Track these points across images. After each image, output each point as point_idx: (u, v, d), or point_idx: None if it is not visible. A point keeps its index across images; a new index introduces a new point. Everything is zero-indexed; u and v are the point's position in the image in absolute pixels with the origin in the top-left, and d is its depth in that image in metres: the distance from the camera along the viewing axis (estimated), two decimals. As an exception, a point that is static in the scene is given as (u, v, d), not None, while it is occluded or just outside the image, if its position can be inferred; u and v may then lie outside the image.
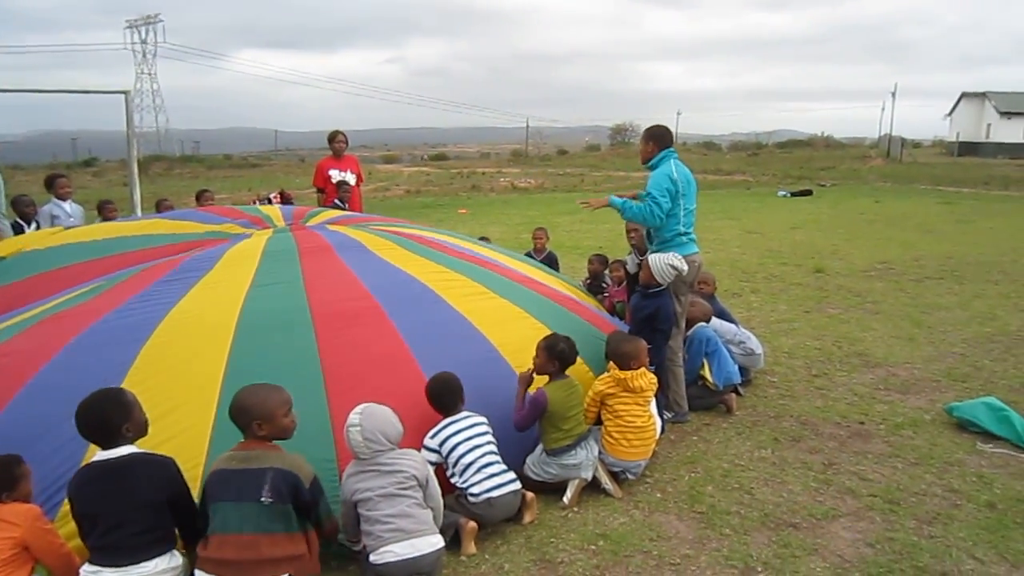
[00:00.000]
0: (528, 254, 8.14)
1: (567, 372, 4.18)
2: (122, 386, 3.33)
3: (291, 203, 20.47)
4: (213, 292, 4.41)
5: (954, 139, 49.17)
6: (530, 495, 3.85)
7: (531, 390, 4.11)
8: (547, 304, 5.10)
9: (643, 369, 4.21)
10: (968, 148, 47.24)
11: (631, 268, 5.85)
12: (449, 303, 4.57)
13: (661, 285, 4.73)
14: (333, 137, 9.15)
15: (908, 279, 10.06)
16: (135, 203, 17.41)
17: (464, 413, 3.81)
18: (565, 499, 3.95)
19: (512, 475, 3.80)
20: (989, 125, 49.98)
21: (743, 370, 5.70)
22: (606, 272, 7.60)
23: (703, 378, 5.35)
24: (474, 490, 3.65)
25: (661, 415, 4.68)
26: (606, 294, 7.53)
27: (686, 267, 4.72)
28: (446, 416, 3.79)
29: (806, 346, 6.88)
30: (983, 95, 51.60)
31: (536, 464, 4.06)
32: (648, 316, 4.72)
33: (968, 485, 4.14)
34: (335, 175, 8.92)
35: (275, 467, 2.94)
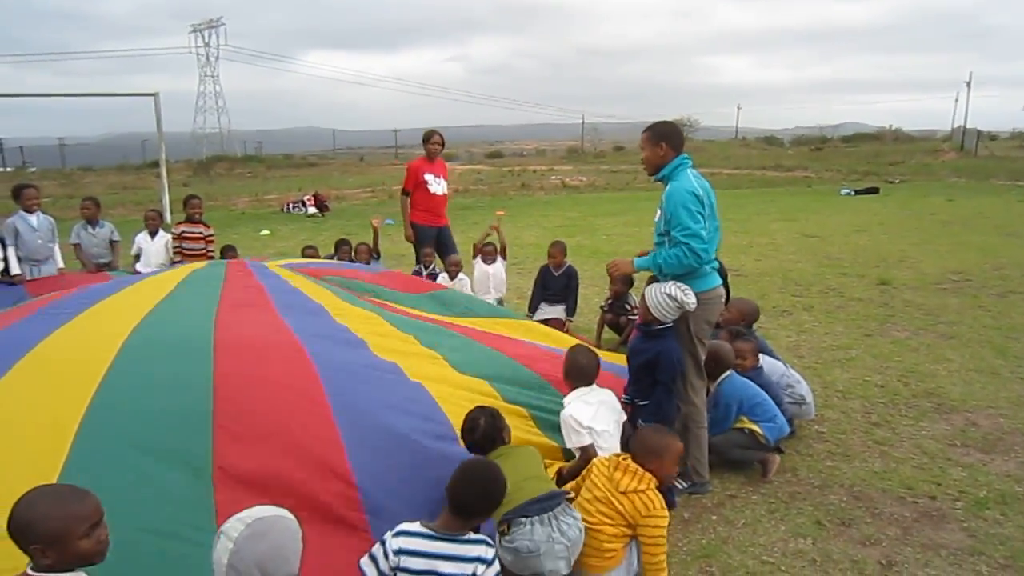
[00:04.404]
0: (544, 269, 7.34)
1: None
2: None
3: (326, 206, 20.19)
4: (103, 317, 3.70)
5: (1036, 130, 46.00)
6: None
7: None
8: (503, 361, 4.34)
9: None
10: (1052, 139, 44.21)
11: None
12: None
13: (663, 323, 3.74)
14: (429, 137, 7.95)
15: (988, 293, 8.81)
16: (164, 205, 17.28)
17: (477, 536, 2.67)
18: None
19: None
20: (1076, 114, 46.68)
21: (788, 421, 4.70)
22: (629, 292, 6.65)
23: (752, 430, 4.29)
24: None
25: (671, 491, 3.70)
26: (632, 317, 6.60)
27: (693, 300, 3.67)
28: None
29: (865, 382, 5.81)
30: (1070, 82, 48.22)
31: None
32: (646, 363, 3.71)
33: (1080, 604, 3.10)
34: (430, 180, 7.82)
35: None
